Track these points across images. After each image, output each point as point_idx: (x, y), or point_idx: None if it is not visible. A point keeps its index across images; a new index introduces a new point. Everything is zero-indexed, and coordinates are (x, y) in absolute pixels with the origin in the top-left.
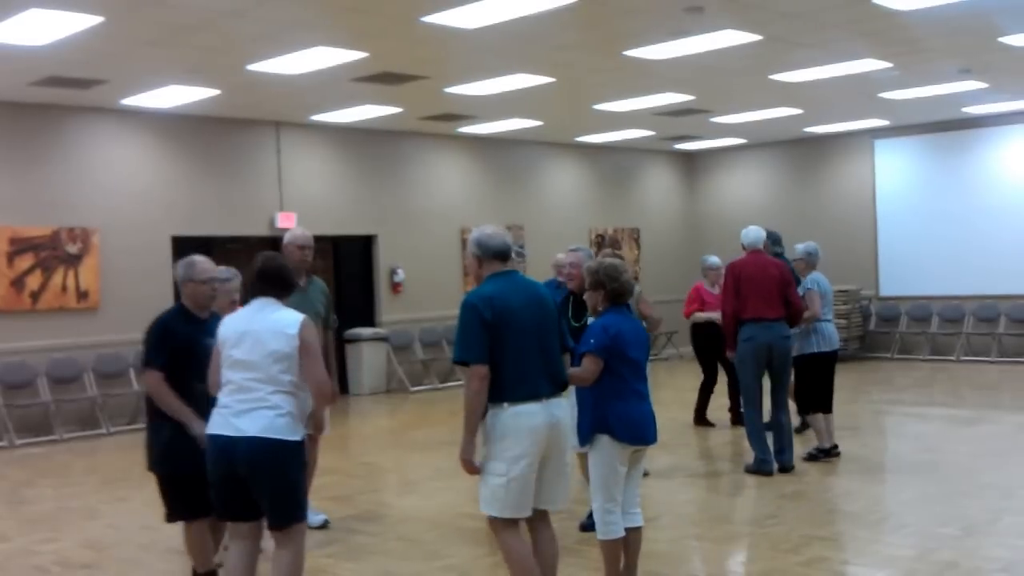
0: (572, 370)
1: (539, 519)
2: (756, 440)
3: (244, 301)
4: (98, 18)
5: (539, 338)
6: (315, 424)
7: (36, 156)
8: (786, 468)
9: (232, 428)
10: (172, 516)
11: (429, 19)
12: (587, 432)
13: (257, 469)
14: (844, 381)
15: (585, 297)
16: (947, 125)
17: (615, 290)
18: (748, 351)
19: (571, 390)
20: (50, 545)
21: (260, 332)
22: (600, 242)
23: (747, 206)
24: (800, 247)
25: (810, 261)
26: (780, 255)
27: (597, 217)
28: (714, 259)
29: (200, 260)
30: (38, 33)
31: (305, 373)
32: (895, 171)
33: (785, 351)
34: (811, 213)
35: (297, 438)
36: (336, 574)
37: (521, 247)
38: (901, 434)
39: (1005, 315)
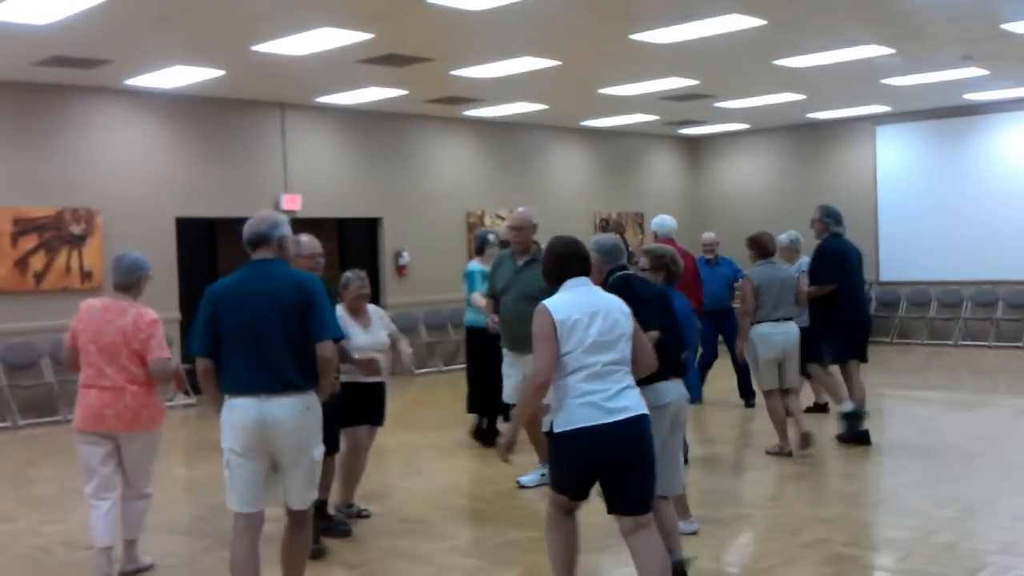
0: None
1: (290, 518)
2: None
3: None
4: None
5: (259, 333)
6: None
7: (40, 136)
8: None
9: (609, 414)
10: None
11: (435, 0)
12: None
13: (638, 447)
14: None
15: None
16: (948, 112)
17: (675, 273)
18: None
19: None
20: (54, 526)
21: (611, 311)
22: (604, 226)
23: (749, 191)
24: (783, 237)
25: (793, 247)
26: (840, 235)
27: (601, 201)
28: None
29: (306, 238)
30: (42, 12)
31: (640, 352)
32: (896, 157)
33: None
34: (812, 198)
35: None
36: (340, 555)
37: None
38: (900, 417)
39: (1003, 300)
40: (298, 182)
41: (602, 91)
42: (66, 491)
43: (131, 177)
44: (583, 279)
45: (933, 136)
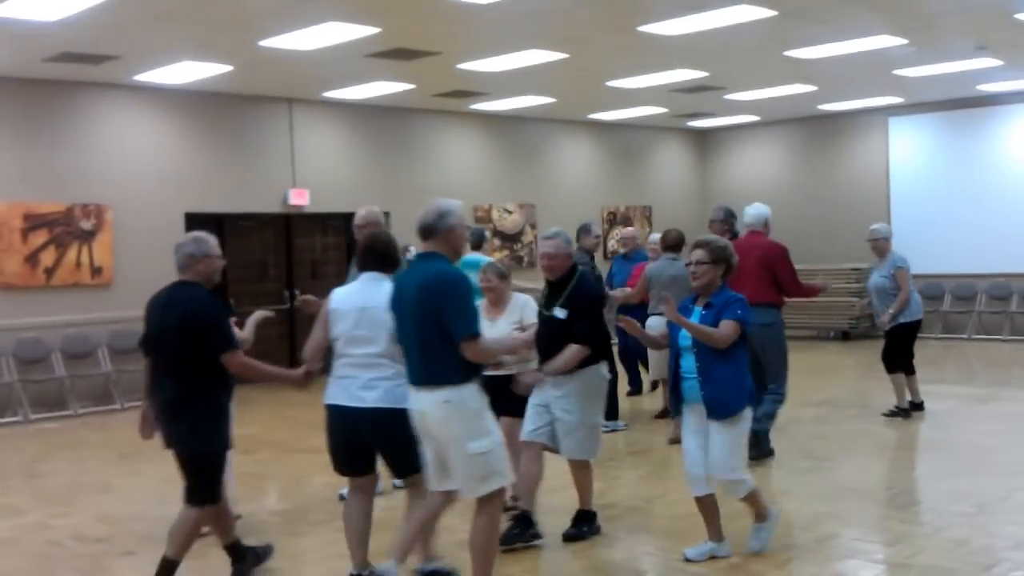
0: (709, 329)
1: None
2: None
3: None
4: None
5: (404, 329)
6: None
7: (50, 132)
8: (752, 457)
9: (356, 399)
10: (217, 495)
11: None
12: (739, 406)
13: (380, 434)
14: (857, 359)
15: (700, 270)
16: (962, 103)
17: (733, 267)
18: None
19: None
20: (65, 519)
21: (377, 309)
22: (612, 220)
23: (760, 184)
24: (881, 228)
25: (886, 240)
26: (737, 234)
27: (609, 195)
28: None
29: (208, 235)
30: (50, 8)
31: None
32: (909, 149)
33: (763, 338)
34: (825, 191)
35: (407, 406)
36: (345, 548)
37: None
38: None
39: (1017, 294)
40: (306, 177)
41: (610, 84)
42: (76, 485)
43: (140, 173)
44: (376, 275)
45: (946, 127)
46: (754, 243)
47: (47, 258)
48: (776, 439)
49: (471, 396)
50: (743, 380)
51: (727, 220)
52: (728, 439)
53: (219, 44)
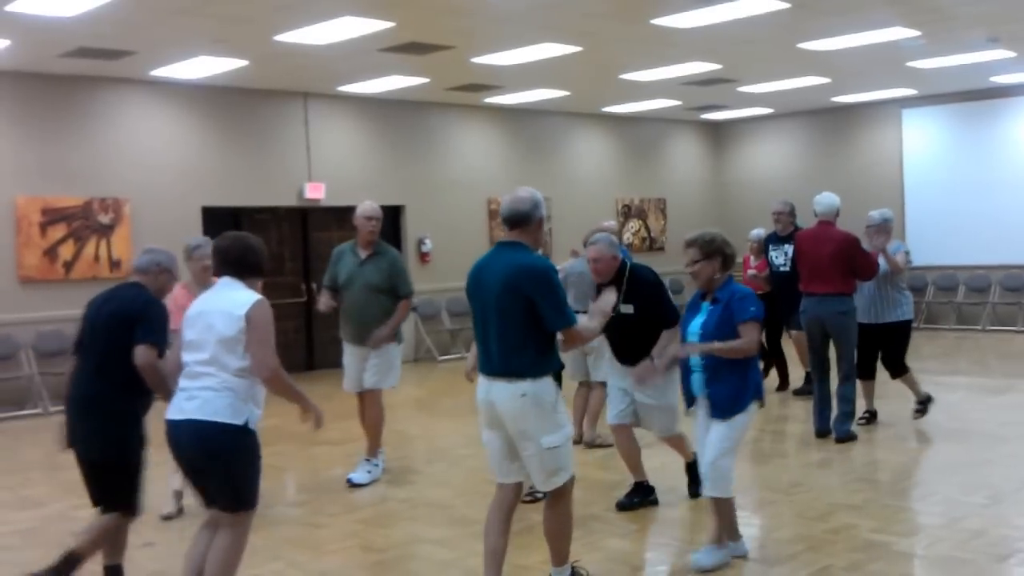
0: (735, 343)
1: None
2: (814, 405)
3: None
4: None
5: (485, 318)
6: (301, 411)
7: (67, 127)
8: (841, 438)
9: (179, 411)
10: (137, 507)
11: None
12: (742, 405)
13: (198, 452)
14: None
15: (695, 269)
16: (975, 95)
17: (731, 256)
18: (804, 323)
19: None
20: (85, 511)
21: (211, 313)
22: (627, 212)
23: (774, 176)
24: (876, 215)
25: (886, 228)
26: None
27: (623, 187)
28: (756, 231)
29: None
30: (67, 4)
31: (250, 355)
32: (923, 141)
33: (840, 325)
34: (838, 183)
35: (238, 422)
36: (366, 539)
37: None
38: None
39: None
40: (321, 171)
41: (624, 76)
42: None
43: (157, 167)
44: (230, 280)
45: (960, 119)
46: (827, 234)
47: (66, 252)
48: (783, 431)
49: (547, 390)
50: (751, 375)
51: (793, 212)
52: (726, 434)
53: (234, 39)
